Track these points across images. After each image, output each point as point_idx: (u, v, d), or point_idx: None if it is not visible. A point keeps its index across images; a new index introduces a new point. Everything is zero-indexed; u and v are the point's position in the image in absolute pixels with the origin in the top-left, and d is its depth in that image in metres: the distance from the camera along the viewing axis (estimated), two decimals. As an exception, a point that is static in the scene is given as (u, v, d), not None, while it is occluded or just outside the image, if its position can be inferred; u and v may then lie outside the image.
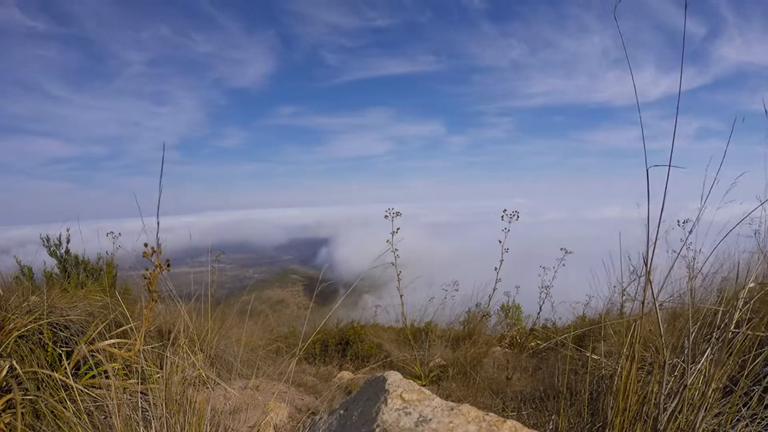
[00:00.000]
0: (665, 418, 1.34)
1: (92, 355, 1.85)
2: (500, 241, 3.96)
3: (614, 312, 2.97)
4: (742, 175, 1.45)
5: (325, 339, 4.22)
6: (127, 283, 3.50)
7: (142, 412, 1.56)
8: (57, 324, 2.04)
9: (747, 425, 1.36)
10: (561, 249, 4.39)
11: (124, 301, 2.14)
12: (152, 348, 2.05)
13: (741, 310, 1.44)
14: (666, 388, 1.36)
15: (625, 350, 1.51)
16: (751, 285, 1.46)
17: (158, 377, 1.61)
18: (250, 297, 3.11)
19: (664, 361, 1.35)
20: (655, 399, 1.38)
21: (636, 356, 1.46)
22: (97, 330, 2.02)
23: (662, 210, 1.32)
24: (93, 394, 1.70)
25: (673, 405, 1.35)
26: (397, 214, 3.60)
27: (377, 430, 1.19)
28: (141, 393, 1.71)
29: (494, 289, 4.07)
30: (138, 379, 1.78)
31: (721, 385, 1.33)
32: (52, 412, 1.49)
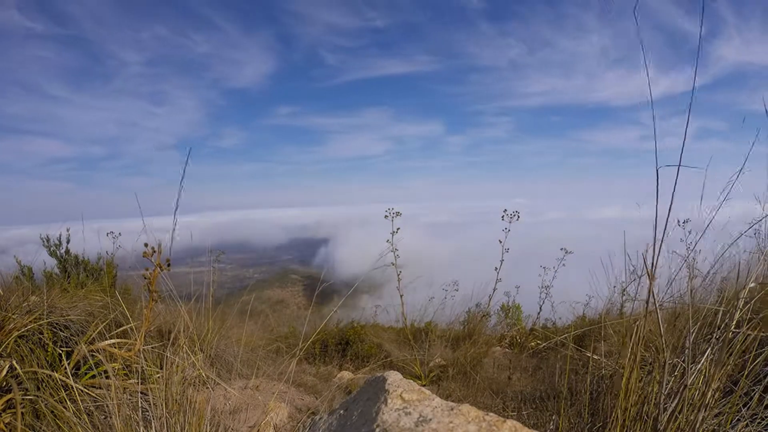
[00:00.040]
0: (665, 418, 1.34)
1: (92, 355, 1.85)
2: (500, 241, 3.95)
3: (614, 312, 2.97)
4: (741, 174, 1.45)
5: (325, 339, 4.22)
6: (127, 283, 3.50)
7: (142, 412, 1.56)
8: (57, 324, 2.04)
9: (747, 425, 1.36)
10: (561, 249, 4.39)
11: (124, 301, 2.14)
12: (152, 348, 2.05)
13: (741, 310, 1.43)
14: (666, 388, 1.36)
15: (625, 350, 1.51)
16: (752, 285, 1.45)
17: (158, 377, 1.61)
18: (250, 297, 3.11)
19: (665, 361, 1.35)
20: (655, 399, 1.38)
21: (636, 356, 1.46)
22: (97, 330, 2.02)
23: (670, 210, 1.32)
24: (93, 394, 1.70)
25: (673, 405, 1.34)
26: (397, 214, 3.60)
27: (377, 430, 1.19)
28: (141, 393, 1.71)
29: (494, 289, 4.07)
30: (138, 379, 1.77)
31: (721, 385, 1.33)
32: (52, 412, 1.49)
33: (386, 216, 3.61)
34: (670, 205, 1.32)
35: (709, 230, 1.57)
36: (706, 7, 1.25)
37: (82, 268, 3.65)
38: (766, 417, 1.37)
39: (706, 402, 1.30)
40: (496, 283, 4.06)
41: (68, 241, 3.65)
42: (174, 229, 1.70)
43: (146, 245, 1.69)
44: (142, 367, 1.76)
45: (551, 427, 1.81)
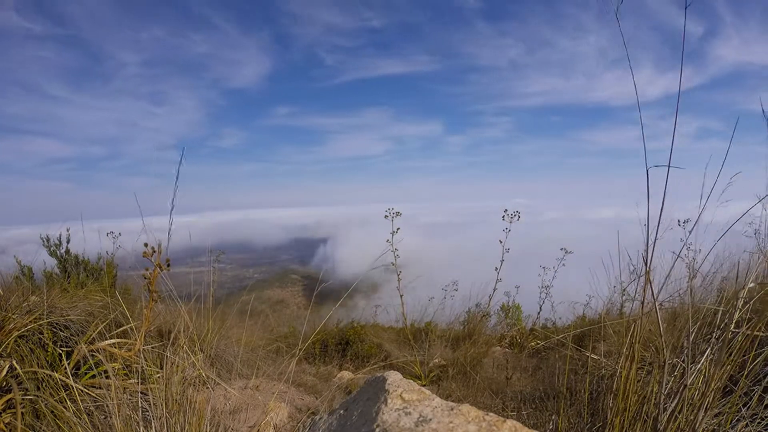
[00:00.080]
0: (665, 418, 1.34)
1: (92, 355, 1.85)
2: (501, 241, 3.95)
3: (614, 312, 2.97)
4: (739, 174, 1.45)
5: (325, 339, 4.22)
6: (127, 283, 3.50)
7: (142, 412, 1.56)
8: (57, 324, 2.04)
9: (747, 425, 1.36)
10: (561, 249, 4.40)
11: (124, 301, 2.14)
12: (152, 348, 2.05)
13: (741, 310, 1.44)
14: (666, 388, 1.36)
15: (625, 350, 1.51)
16: (751, 285, 1.46)
17: (158, 377, 1.61)
18: (250, 297, 3.11)
19: (664, 360, 1.35)
20: (655, 399, 1.38)
21: (636, 356, 1.46)
22: (97, 330, 2.02)
23: (662, 210, 1.32)
24: (93, 394, 1.70)
25: (673, 405, 1.35)
26: (397, 214, 3.60)
27: (377, 430, 1.19)
28: (141, 393, 1.71)
29: (494, 289, 4.07)
30: (138, 379, 1.78)
31: (721, 385, 1.33)
32: (52, 412, 1.49)
33: (386, 216, 3.61)
34: (662, 206, 1.32)
35: (709, 230, 1.57)
36: (693, 4, 1.25)
37: (82, 268, 3.65)
38: (766, 417, 1.37)
39: (706, 402, 1.30)
40: (496, 283, 4.06)
41: (68, 241, 3.65)
42: (170, 229, 1.70)
43: (146, 245, 1.69)
44: (142, 367, 1.76)
45: (551, 426, 1.81)
